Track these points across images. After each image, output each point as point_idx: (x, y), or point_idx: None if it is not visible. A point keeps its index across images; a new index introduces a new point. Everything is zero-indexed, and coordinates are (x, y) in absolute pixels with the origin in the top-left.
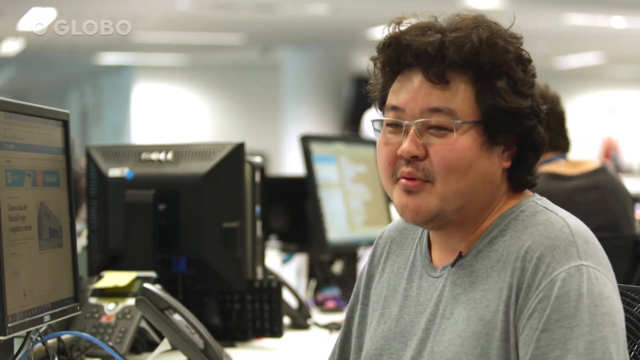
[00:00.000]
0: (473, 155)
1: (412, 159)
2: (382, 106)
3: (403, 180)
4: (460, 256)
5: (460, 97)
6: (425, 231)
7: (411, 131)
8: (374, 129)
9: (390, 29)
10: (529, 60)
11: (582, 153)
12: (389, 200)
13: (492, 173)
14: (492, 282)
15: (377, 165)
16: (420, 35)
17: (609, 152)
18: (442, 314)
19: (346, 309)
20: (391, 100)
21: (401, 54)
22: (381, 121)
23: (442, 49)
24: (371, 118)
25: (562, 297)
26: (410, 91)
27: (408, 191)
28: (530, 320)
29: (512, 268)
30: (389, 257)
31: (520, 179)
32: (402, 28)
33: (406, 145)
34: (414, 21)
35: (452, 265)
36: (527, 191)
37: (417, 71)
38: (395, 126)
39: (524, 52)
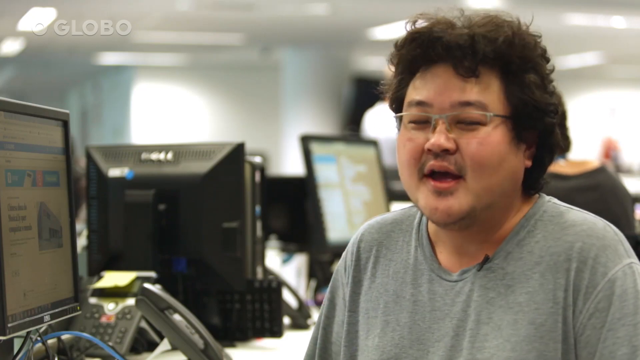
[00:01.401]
0: (504, 150)
1: (442, 153)
2: (398, 106)
3: (433, 182)
4: (486, 259)
5: (491, 90)
6: (424, 233)
7: (440, 125)
8: (397, 128)
9: (409, 25)
10: (548, 59)
11: (582, 153)
12: (389, 200)
13: (518, 171)
14: (536, 285)
15: (398, 164)
16: (450, 29)
17: (609, 152)
18: (475, 319)
19: (321, 317)
20: (414, 96)
21: (429, 48)
22: (402, 118)
23: (474, 42)
24: (393, 115)
25: (622, 295)
26: (438, 85)
27: (438, 192)
28: (591, 320)
29: (564, 269)
30: (378, 261)
31: (535, 181)
32: (421, 25)
33: (436, 138)
34: (432, 19)
35: (479, 269)
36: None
37: (443, 65)
38: (420, 122)
39: (545, 50)
